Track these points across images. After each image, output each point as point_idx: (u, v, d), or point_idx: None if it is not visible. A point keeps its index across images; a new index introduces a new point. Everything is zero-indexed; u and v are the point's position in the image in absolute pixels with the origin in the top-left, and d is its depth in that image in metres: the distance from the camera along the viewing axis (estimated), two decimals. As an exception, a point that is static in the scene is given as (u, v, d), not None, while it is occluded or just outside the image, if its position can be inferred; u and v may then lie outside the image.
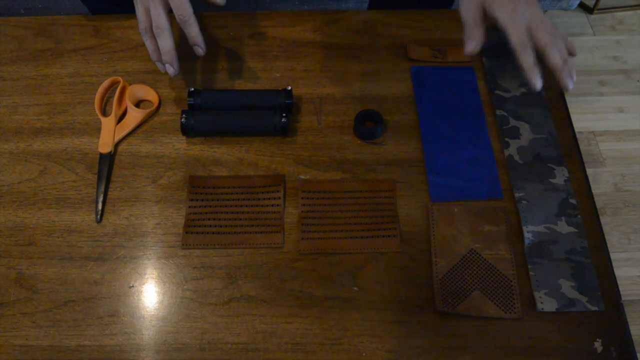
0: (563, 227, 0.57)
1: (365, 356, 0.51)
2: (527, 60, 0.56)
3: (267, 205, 0.58)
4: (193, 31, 0.61)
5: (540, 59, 0.57)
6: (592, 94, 1.48)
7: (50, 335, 0.52)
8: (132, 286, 0.54)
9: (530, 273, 0.54)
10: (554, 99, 0.66)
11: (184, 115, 0.61)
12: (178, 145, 0.63)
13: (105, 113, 0.65)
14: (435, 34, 0.71)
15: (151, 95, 0.66)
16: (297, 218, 0.58)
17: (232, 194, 0.59)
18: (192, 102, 0.63)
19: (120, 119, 0.64)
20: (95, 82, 0.67)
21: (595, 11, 1.62)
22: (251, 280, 0.55)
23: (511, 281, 0.54)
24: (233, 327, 0.52)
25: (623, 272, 1.20)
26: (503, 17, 0.57)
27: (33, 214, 0.58)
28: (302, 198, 0.59)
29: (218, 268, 0.55)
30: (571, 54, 0.60)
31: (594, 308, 0.52)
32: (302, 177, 0.61)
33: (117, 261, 0.56)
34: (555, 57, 0.56)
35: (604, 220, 1.25)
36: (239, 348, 0.51)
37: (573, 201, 0.58)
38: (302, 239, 0.56)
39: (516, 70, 0.67)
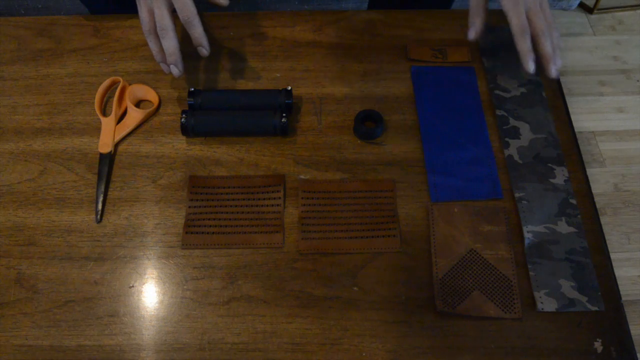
0: (563, 227, 0.57)
1: (365, 356, 0.51)
2: (524, 44, 0.59)
3: (267, 205, 0.58)
4: (197, 32, 0.61)
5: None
6: (592, 94, 1.48)
7: (50, 335, 0.52)
8: (132, 286, 0.54)
9: (530, 273, 0.54)
10: (554, 99, 0.66)
11: (184, 115, 0.61)
12: (178, 145, 0.63)
13: (105, 113, 0.65)
14: (435, 34, 0.71)
15: (151, 95, 0.66)
16: (297, 218, 0.58)
17: (232, 194, 0.59)
18: (192, 102, 0.63)
19: (120, 119, 0.64)
20: (95, 82, 0.67)
21: (595, 11, 1.62)
22: (251, 280, 0.55)
23: (511, 281, 0.54)
24: (233, 327, 0.52)
25: (623, 272, 1.20)
26: (506, 2, 0.60)
27: (33, 214, 0.58)
28: (302, 198, 0.59)
29: (218, 268, 0.55)
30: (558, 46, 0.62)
31: (594, 308, 0.52)
32: (302, 177, 0.61)
33: (117, 261, 0.56)
34: (547, 45, 0.59)
35: (604, 220, 1.25)
36: (239, 348, 0.51)
37: (573, 201, 0.58)
38: (302, 239, 0.56)
39: (516, 70, 0.67)
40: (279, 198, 0.59)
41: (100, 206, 0.58)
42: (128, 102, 0.64)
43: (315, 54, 0.70)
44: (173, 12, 0.60)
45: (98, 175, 0.60)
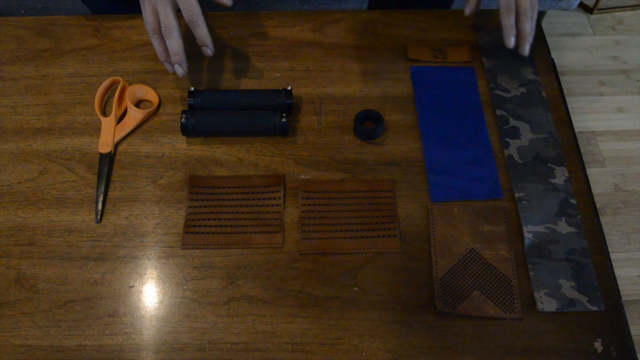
0: (563, 227, 0.57)
1: (365, 356, 0.51)
2: (508, 21, 0.63)
3: (267, 205, 0.58)
4: (202, 32, 0.61)
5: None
6: (592, 94, 1.48)
7: (50, 335, 0.52)
8: (132, 286, 0.54)
9: (530, 273, 0.54)
10: (554, 99, 0.66)
11: (184, 115, 0.61)
12: (178, 145, 0.63)
13: (105, 113, 0.65)
14: (435, 34, 0.71)
15: (151, 95, 0.66)
16: (297, 218, 0.58)
17: (232, 194, 0.59)
18: (192, 102, 0.63)
19: (120, 119, 0.64)
20: (95, 82, 0.67)
21: (595, 11, 1.62)
22: (251, 280, 0.55)
23: (511, 281, 0.54)
24: (233, 327, 0.52)
25: (623, 272, 1.20)
26: None
27: (33, 214, 0.58)
28: (302, 198, 0.59)
29: (218, 268, 0.55)
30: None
31: (594, 308, 0.52)
32: (302, 177, 0.61)
33: (117, 261, 0.56)
34: (527, 25, 0.63)
35: (604, 220, 1.25)
36: (239, 348, 0.51)
37: (573, 201, 0.58)
38: (302, 239, 0.56)
39: (516, 70, 0.67)
40: (279, 198, 0.59)
41: (100, 206, 0.58)
42: (128, 102, 0.64)
43: (315, 54, 0.70)
44: (177, 12, 0.60)
45: (98, 175, 0.60)
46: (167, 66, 0.63)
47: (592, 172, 1.33)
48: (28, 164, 0.62)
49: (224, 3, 0.62)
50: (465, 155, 0.62)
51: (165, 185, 0.60)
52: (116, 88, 0.65)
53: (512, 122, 0.64)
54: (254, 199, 0.59)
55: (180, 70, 0.62)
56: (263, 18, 0.73)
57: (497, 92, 0.66)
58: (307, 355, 0.51)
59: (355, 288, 0.54)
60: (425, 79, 0.67)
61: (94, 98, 0.65)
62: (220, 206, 0.58)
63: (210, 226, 0.57)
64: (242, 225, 0.57)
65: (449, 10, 0.79)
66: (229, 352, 0.51)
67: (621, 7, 1.64)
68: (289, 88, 0.64)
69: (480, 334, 0.52)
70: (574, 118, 0.64)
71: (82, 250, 0.56)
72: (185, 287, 0.54)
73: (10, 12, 1.07)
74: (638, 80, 1.50)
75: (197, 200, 0.59)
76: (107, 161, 0.61)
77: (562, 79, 1.49)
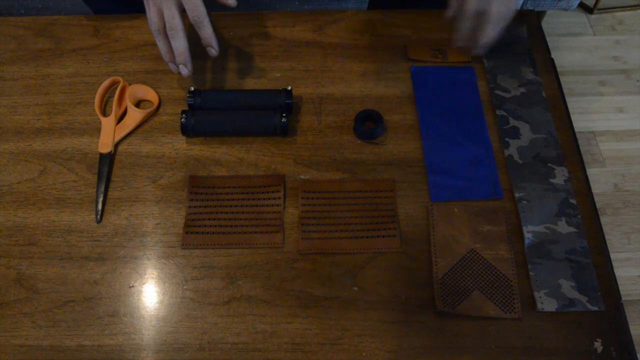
0: (563, 227, 0.57)
1: (365, 356, 0.51)
2: (464, 28, 0.61)
3: (267, 205, 0.58)
4: (207, 32, 0.61)
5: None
6: (592, 94, 1.48)
7: (50, 335, 0.52)
8: (132, 286, 0.54)
9: (530, 273, 0.54)
10: (554, 99, 0.66)
11: (184, 115, 0.61)
12: (178, 145, 0.63)
13: (105, 113, 0.65)
14: (435, 34, 0.71)
15: (151, 95, 0.66)
16: (297, 218, 0.58)
17: (232, 194, 0.59)
18: (192, 102, 0.63)
19: (120, 119, 0.64)
20: (95, 82, 0.67)
21: (595, 11, 1.62)
22: (251, 280, 0.55)
23: (511, 281, 0.54)
24: (233, 327, 0.52)
25: (623, 272, 1.20)
26: None
27: (33, 214, 0.58)
28: (302, 198, 0.59)
29: (218, 268, 0.55)
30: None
31: (594, 308, 0.52)
32: (302, 177, 0.61)
33: (117, 261, 0.56)
34: (488, 33, 0.61)
35: (604, 220, 1.25)
36: (239, 348, 0.51)
37: (573, 201, 0.58)
38: (302, 239, 0.56)
39: (516, 70, 0.68)
40: (279, 198, 0.59)
41: (100, 206, 0.58)
42: (128, 102, 0.64)
43: (315, 54, 0.70)
44: (182, 12, 0.60)
45: (98, 175, 0.60)
46: (172, 66, 0.63)
47: (592, 172, 1.33)
48: (28, 164, 0.62)
49: (228, 3, 0.62)
50: (465, 155, 0.62)
51: (165, 185, 0.60)
52: (116, 88, 0.65)
53: (512, 122, 0.64)
54: (254, 199, 0.59)
55: (185, 71, 0.62)
56: (263, 18, 0.73)
57: (497, 92, 0.66)
58: (307, 355, 0.51)
59: (355, 288, 0.54)
60: (425, 79, 0.67)
61: (94, 98, 0.65)
62: (220, 206, 0.58)
63: (210, 226, 0.57)
64: (242, 225, 0.57)
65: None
66: (229, 352, 0.51)
67: (621, 7, 1.64)
68: (289, 88, 0.64)
69: (480, 334, 0.52)
70: (574, 118, 0.64)
71: (82, 250, 0.56)
72: (185, 287, 0.54)
73: (10, 12, 1.07)
74: (638, 80, 1.50)
75: (197, 200, 0.59)
76: (107, 161, 0.61)
77: (562, 79, 1.49)
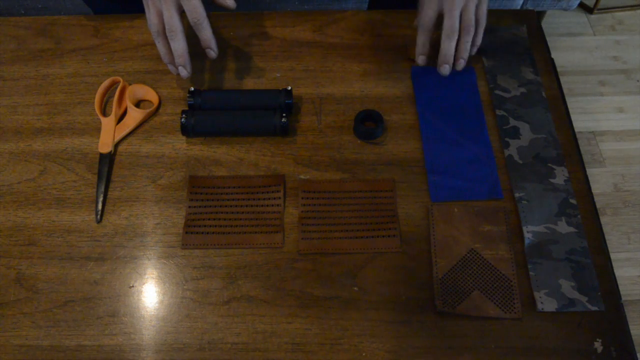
0: (563, 227, 0.57)
1: (365, 356, 0.51)
2: (447, 46, 0.63)
3: (267, 205, 0.58)
4: (206, 34, 0.61)
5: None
6: (592, 94, 1.48)
7: (50, 335, 0.52)
8: (132, 286, 0.54)
9: (530, 273, 0.54)
10: (554, 98, 0.66)
11: (184, 115, 0.61)
12: (178, 145, 0.63)
13: (105, 113, 0.65)
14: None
15: (151, 95, 0.66)
16: (297, 218, 0.58)
17: (232, 194, 0.59)
18: (192, 102, 0.63)
19: (120, 119, 0.64)
20: (95, 82, 0.67)
21: (595, 11, 1.62)
22: (251, 280, 0.55)
23: (511, 281, 0.54)
24: (233, 327, 0.52)
25: (623, 272, 1.20)
26: (445, 3, 0.62)
27: (33, 214, 0.58)
28: (302, 198, 0.59)
29: (218, 268, 0.55)
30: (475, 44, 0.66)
31: (594, 308, 0.52)
32: (302, 177, 0.61)
33: (117, 261, 0.56)
34: (465, 43, 0.63)
35: (604, 220, 1.25)
36: (239, 348, 0.51)
37: (573, 201, 0.58)
38: (302, 239, 0.56)
39: (516, 70, 0.67)
40: (279, 198, 0.59)
41: (100, 206, 0.58)
42: (128, 102, 0.64)
43: (315, 54, 0.70)
44: (182, 14, 0.60)
45: (98, 175, 0.60)
46: (171, 68, 0.63)
47: (592, 172, 1.33)
48: (28, 164, 0.62)
49: (227, 5, 0.62)
50: (465, 155, 0.62)
51: (165, 185, 0.60)
52: (116, 88, 0.65)
53: (512, 122, 0.64)
54: (254, 199, 0.59)
55: (184, 72, 0.62)
56: (263, 18, 0.73)
57: (497, 92, 0.66)
58: (307, 355, 0.51)
59: (355, 288, 0.54)
60: (425, 79, 0.67)
61: (94, 98, 0.65)
62: (220, 206, 0.58)
63: (210, 226, 0.57)
64: (242, 225, 0.57)
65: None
66: (229, 352, 0.51)
67: (621, 7, 1.64)
68: (289, 88, 0.64)
69: (480, 334, 0.52)
70: (574, 118, 0.64)
71: (82, 250, 0.56)
72: (185, 287, 0.54)
73: (10, 12, 1.07)
74: (638, 80, 1.50)
75: (197, 200, 0.59)
76: (107, 161, 0.61)
77: (562, 79, 1.49)
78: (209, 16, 0.60)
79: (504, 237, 0.56)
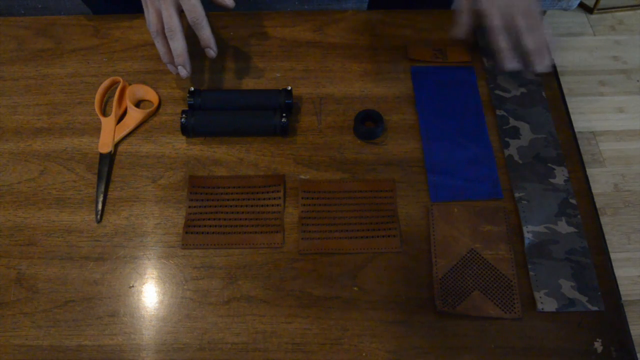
0: (563, 227, 0.57)
1: (365, 356, 0.51)
2: (499, 42, 0.61)
3: (267, 205, 0.58)
4: (205, 34, 0.61)
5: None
6: (592, 94, 1.48)
7: (50, 335, 0.52)
8: (132, 286, 0.54)
9: (530, 273, 0.54)
10: (554, 99, 0.66)
11: (184, 115, 0.61)
12: (178, 145, 0.63)
13: (105, 113, 0.65)
14: (435, 34, 0.71)
15: (151, 95, 0.66)
16: (297, 218, 0.58)
17: (232, 194, 0.59)
18: (192, 102, 0.63)
19: (120, 119, 0.64)
20: (95, 82, 0.67)
21: (595, 11, 1.62)
22: (251, 280, 0.55)
23: (511, 281, 0.54)
24: (233, 327, 0.52)
25: (623, 272, 1.20)
26: (484, 2, 0.61)
27: (33, 214, 0.58)
28: (302, 198, 0.59)
29: (218, 268, 0.55)
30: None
31: (594, 308, 0.52)
32: (302, 177, 0.61)
33: (117, 261, 0.56)
34: (528, 42, 0.60)
35: (604, 220, 1.25)
36: (239, 348, 0.51)
37: (573, 201, 0.58)
38: (302, 239, 0.56)
39: (516, 70, 0.67)
40: (279, 198, 0.59)
41: (100, 206, 0.58)
42: (128, 102, 0.64)
43: (315, 54, 0.70)
44: (181, 13, 0.60)
45: (98, 175, 0.60)
46: (170, 67, 0.63)
47: (592, 172, 1.33)
48: (28, 164, 0.62)
49: (226, 4, 0.62)
50: (465, 155, 0.62)
51: (165, 185, 0.60)
52: (116, 88, 0.65)
53: (512, 122, 0.64)
54: (254, 199, 0.59)
55: (183, 72, 0.62)
56: (263, 18, 0.73)
57: (497, 92, 0.66)
58: (307, 355, 0.51)
59: (355, 288, 0.54)
60: (425, 79, 0.67)
61: (94, 98, 0.65)
62: (220, 206, 0.58)
63: (210, 226, 0.57)
64: (242, 225, 0.57)
65: (449, 10, 0.79)
66: (229, 352, 0.51)
67: (621, 7, 1.64)
68: (289, 88, 0.64)
69: (480, 334, 0.52)
70: (574, 118, 0.64)
71: (82, 250, 0.56)
72: (185, 287, 0.54)
73: (10, 12, 1.07)
74: (638, 80, 1.50)
75: (197, 200, 0.59)
76: (107, 161, 0.61)
77: (562, 79, 1.49)
78: (207, 16, 0.60)
79: (504, 237, 0.56)
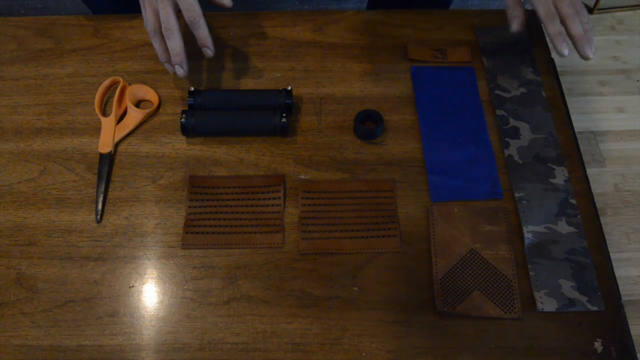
0: (563, 227, 0.57)
1: (365, 356, 0.51)
2: (553, 28, 0.60)
3: (267, 205, 0.58)
4: (202, 33, 0.61)
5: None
6: (592, 94, 1.48)
7: (50, 335, 0.52)
8: (132, 286, 0.54)
9: (530, 273, 0.54)
10: (554, 99, 0.66)
11: (184, 115, 0.61)
12: (178, 145, 0.63)
13: (105, 113, 0.65)
14: (435, 34, 0.71)
15: (151, 95, 0.66)
16: (297, 218, 0.58)
17: (232, 194, 0.59)
18: (192, 102, 0.63)
19: (120, 119, 0.64)
20: (95, 82, 0.67)
21: (595, 11, 1.62)
22: (251, 280, 0.55)
23: (511, 281, 0.54)
24: (233, 327, 0.52)
25: (623, 272, 1.20)
26: None
27: (33, 214, 0.58)
28: (302, 198, 0.59)
29: (218, 268, 0.55)
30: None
31: (594, 308, 0.52)
32: (302, 177, 0.61)
33: (117, 261, 0.56)
34: (576, 27, 0.60)
35: (604, 220, 1.25)
36: (239, 348, 0.51)
37: (573, 201, 0.58)
38: (302, 239, 0.56)
39: (516, 70, 0.67)
40: (279, 198, 0.59)
41: (100, 206, 0.58)
42: (128, 102, 0.64)
43: (315, 54, 0.70)
44: (178, 13, 0.60)
45: (98, 175, 0.60)
46: (168, 67, 0.63)
47: (592, 172, 1.33)
48: (28, 164, 0.62)
49: (223, 4, 0.62)
50: (465, 155, 0.62)
51: (165, 185, 0.60)
52: (116, 88, 0.65)
53: (512, 122, 0.64)
54: (254, 199, 0.59)
55: (181, 71, 0.62)
56: (263, 18, 0.73)
57: (497, 92, 0.66)
58: (307, 355, 0.51)
59: (355, 288, 0.54)
60: (425, 79, 0.67)
61: (94, 98, 0.65)
62: (220, 206, 0.58)
63: (210, 226, 0.57)
64: (242, 225, 0.57)
65: (449, 10, 0.79)
66: (229, 352, 0.51)
67: (621, 7, 1.64)
68: (289, 88, 0.64)
69: (480, 334, 0.52)
70: (574, 118, 0.64)
71: (82, 250, 0.56)
72: (185, 287, 0.54)
73: (10, 12, 1.07)
74: (638, 80, 1.50)
75: (197, 200, 0.59)
76: (107, 161, 0.61)
77: (562, 79, 1.48)
78: (205, 15, 0.60)
79: (504, 237, 0.56)
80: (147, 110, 0.64)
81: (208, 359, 0.51)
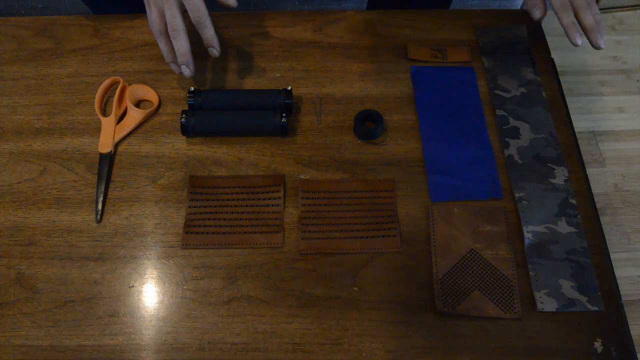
0: (563, 227, 0.57)
1: (365, 356, 0.51)
2: (567, 19, 0.61)
3: (267, 205, 0.58)
4: (208, 33, 0.60)
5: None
6: (592, 94, 1.48)
7: (50, 335, 0.52)
8: (132, 286, 0.54)
9: (530, 273, 0.54)
10: (554, 99, 0.66)
11: (184, 115, 0.61)
12: (178, 145, 0.63)
13: (105, 113, 0.65)
14: (435, 34, 0.71)
15: (151, 95, 0.66)
16: (297, 218, 0.58)
17: (232, 194, 0.59)
18: (192, 102, 0.63)
19: (120, 119, 0.64)
20: (95, 82, 0.67)
21: (595, 11, 1.62)
22: (251, 280, 0.55)
23: (511, 281, 0.54)
24: (233, 327, 0.52)
25: (623, 272, 1.20)
26: None
27: (33, 214, 0.58)
28: (302, 198, 0.59)
29: (218, 268, 0.55)
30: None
31: (594, 308, 0.52)
32: (302, 177, 0.61)
33: (117, 261, 0.56)
34: (588, 18, 0.61)
35: (604, 220, 1.25)
36: (239, 348, 0.51)
37: (573, 201, 0.58)
38: (302, 239, 0.56)
39: (516, 70, 0.68)
40: (279, 198, 0.59)
41: (100, 206, 0.58)
42: (128, 102, 0.64)
43: (315, 54, 0.70)
44: (184, 13, 0.60)
45: (98, 175, 0.60)
46: (174, 67, 0.63)
47: (592, 172, 1.33)
48: (28, 164, 0.62)
49: (229, 4, 0.62)
50: (465, 155, 0.62)
51: (165, 185, 0.60)
52: (116, 88, 0.65)
53: (512, 122, 0.64)
54: (254, 199, 0.59)
55: (187, 71, 0.62)
56: (263, 18, 0.73)
57: (497, 92, 0.66)
58: (307, 355, 0.51)
59: (355, 288, 0.54)
60: (425, 79, 0.67)
61: (94, 98, 0.65)
62: (220, 206, 0.58)
63: (210, 226, 0.57)
64: (242, 225, 0.57)
65: (449, 10, 0.79)
66: (229, 352, 0.51)
67: (621, 7, 1.64)
68: (289, 88, 0.64)
69: (480, 334, 0.52)
70: (574, 118, 0.64)
71: (82, 250, 0.56)
72: (185, 287, 0.54)
73: (10, 12, 1.07)
74: (638, 80, 1.50)
75: (197, 200, 0.59)
76: (107, 161, 0.61)
77: (562, 79, 1.48)
78: (210, 15, 0.60)
79: (504, 237, 0.56)
80: (147, 110, 0.64)
81: (208, 359, 0.51)
